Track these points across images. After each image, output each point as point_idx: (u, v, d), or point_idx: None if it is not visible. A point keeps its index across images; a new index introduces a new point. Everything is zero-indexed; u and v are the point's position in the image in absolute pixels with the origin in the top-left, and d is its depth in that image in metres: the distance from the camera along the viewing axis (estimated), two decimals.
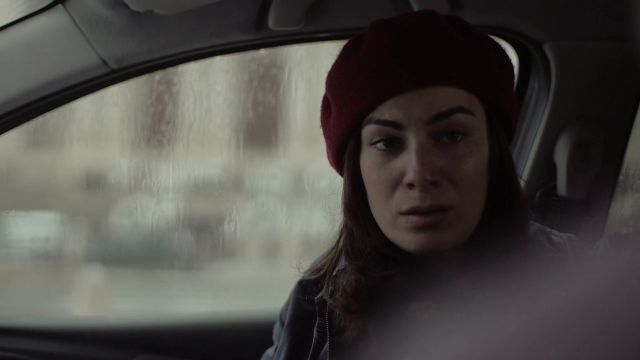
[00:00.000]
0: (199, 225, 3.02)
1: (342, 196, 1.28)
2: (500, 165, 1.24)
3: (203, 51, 1.70)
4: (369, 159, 1.22)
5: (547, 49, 1.85)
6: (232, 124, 2.68)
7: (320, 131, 1.32)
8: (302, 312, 1.34)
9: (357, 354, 1.26)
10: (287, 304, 1.39)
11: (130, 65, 1.65)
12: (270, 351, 1.43)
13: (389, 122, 1.20)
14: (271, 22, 1.65)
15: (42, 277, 3.20)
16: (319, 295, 1.32)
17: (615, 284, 0.42)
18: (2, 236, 2.69)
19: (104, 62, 1.63)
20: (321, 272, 1.34)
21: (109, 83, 1.70)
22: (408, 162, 1.18)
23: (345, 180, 1.27)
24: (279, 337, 1.37)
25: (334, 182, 1.32)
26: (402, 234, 1.20)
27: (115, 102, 2.51)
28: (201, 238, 3.11)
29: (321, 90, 1.31)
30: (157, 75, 2.33)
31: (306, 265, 1.38)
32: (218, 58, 2.09)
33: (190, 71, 2.48)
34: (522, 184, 1.31)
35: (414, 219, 1.18)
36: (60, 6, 1.61)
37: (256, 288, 3.38)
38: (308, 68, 2.54)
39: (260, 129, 2.80)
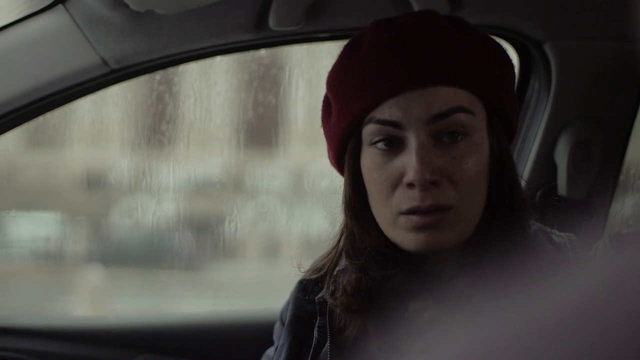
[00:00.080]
0: (199, 225, 3.02)
1: (343, 196, 1.28)
2: (501, 165, 1.24)
3: (203, 51, 1.70)
4: (370, 158, 1.23)
5: (547, 48, 1.85)
6: (232, 124, 2.68)
7: (321, 131, 1.32)
8: (303, 312, 1.34)
9: (358, 354, 1.26)
10: (287, 303, 1.39)
11: (131, 65, 1.65)
12: (270, 351, 1.43)
13: (389, 122, 1.20)
14: (271, 22, 1.65)
15: (42, 277, 3.20)
16: (319, 295, 1.32)
17: (616, 284, 0.42)
18: (3, 236, 2.69)
19: (105, 62, 1.63)
20: (322, 272, 1.34)
21: (109, 83, 1.70)
22: (408, 161, 1.18)
23: (345, 180, 1.28)
24: (280, 336, 1.37)
25: (335, 182, 1.32)
26: (402, 234, 1.20)
27: (115, 102, 2.51)
28: (201, 238, 3.11)
29: (321, 90, 1.31)
30: (158, 75, 2.33)
31: (307, 265, 1.38)
32: (218, 58, 2.09)
33: (190, 71, 2.48)
34: (523, 183, 1.31)
35: (414, 218, 1.18)
36: (60, 6, 1.61)
37: (256, 288, 3.38)
38: (308, 68, 2.54)
39: (261, 129, 2.80)
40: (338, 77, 1.26)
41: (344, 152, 1.27)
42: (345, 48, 1.28)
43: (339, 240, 1.31)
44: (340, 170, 1.30)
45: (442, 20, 1.25)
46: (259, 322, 1.95)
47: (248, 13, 1.65)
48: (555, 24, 1.83)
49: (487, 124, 1.24)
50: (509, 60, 1.29)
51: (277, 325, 1.42)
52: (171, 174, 2.54)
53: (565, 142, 1.88)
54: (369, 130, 1.22)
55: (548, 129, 1.88)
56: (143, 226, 3.06)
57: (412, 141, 1.19)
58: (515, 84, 1.36)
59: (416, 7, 1.64)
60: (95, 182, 3.05)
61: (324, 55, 2.45)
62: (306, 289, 1.36)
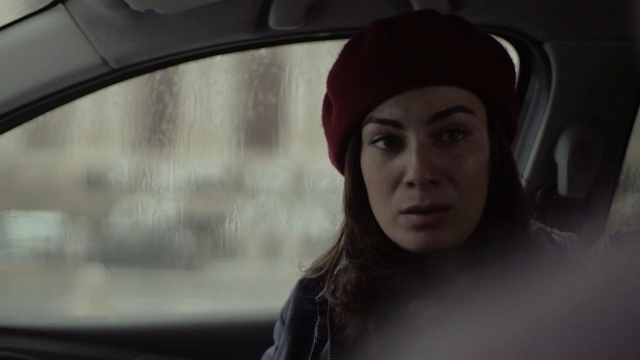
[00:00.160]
0: (199, 225, 3.02)
1: (343, 195, 1.28)
2: (501, 165, 1.24)
3: (203, 51, 1.70)
4: (370, 157, 1.23)
5: (547, 48, 1.85)
6: (232, 123, 2.68)
7: (321, 130, 1.32)
8: (303, 311, 1.34)
9: (358, 353, 1.26)
10: (287, 303, 1.39)
11: (131, 65, 1.65)
12: (271, 350, 1.43)
13: (389, 121, 1.20)
14: (272, 22, 1.65)
15: (42, 277, 3.20)
16: (319, 294, 1.32)
17: (616, 283, 0.42)
18: (3, 236, 2.69)
19: (105, 62, 1.63)
20: (322, 271, 1.34)
21: (109, 82, 1.70)
22: (408, 161, 1.18)
23: (346, 179, 1.28)
24: (280, 336, 1.37)
25: (335, 182, 1.32)
26: (402, 233, 1.20)
27: (115, 101, 2.51)
28: (202, 237, 3.11)
29: (322, 89, 1.31)
30: (158, 74, 2.33)
31: (307, 264, 1.38)
32: (218, 57, 2.09)
33: (190, 71, 2.48)
34: (523, 183, 1.31)
35: (413, 217, 1.18)
36: (60, 6, 1.61)
37: (257, 287, 3.38)
38: (308, 67, 2.54)
39: (261, 129, 2.80)
40: (338, 77, 1.26)
41: (345, 152, 1.27)
42: (346, 47, 1.28)
43: (339, 240, 1.31)
44: (341, 169, 1.30)
45: (443, 19, 1.25)
46: (259, 322, 1.95)
47: (248, 12, 1.65)
48: (555, 23, 1.83)
49: (487, 123, 1.24)
50: (510, 60, 1.29)
51: (278, 325, 1.42)
52: (171, 173, 2.54)
53: (565, 142, 1.88)
54: (369, 130, 1.22)
55: (548, 129, 1.88)
56: (143, 226, 3.06)
57: (412, 140, 1.19)
58: (516, 84, 1.36)
59: (416, 7, 1.64)
60: (95, 182, 3.05)
61: (324, 55, 2.45)
62: (306, 288, 1.36)
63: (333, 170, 1.32)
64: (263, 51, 2.44)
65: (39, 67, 1.62)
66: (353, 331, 1.27)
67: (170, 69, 2.30)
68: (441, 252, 1.22)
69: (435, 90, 1.20)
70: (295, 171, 3.20)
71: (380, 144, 1.21)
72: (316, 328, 1.31)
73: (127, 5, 1.52)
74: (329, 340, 1.29)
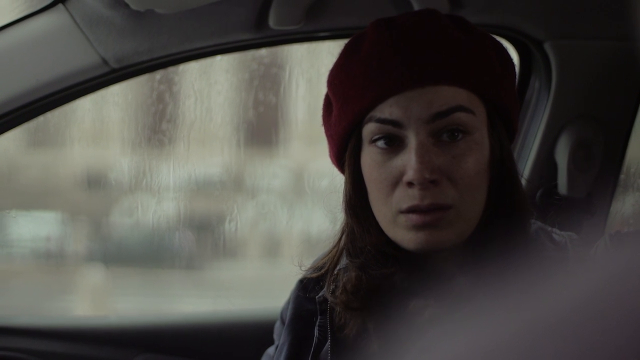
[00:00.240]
0: (199, 225, 3.02)
1: (343, 194, 1.28)
2: (501, 164, 1.24)
3: (204, 50, 1.70)
4: (370, 157, 1.23)
5: (547, 48, 1.85)
6: (232, 123, 2.68)
7: (321, 130, 1.32)
8: (303, 311, 1.34)
9: (358, 353, 1.26)
10: (288, 302, 1.39)
11: (131, 65, 1.65)
12: (271, 350, 1.43)
13: (389, 121, 1.20)
14: (272, 21, 1.65)
15: (43, 277, 3.20)
16: (320, 294, 1.32)
17: (616, 283, 0.42)
18: (3, 236, 2.69)
19: (105, 62, 1.63)
20: (322, 271, 1.34)
21: (109, 82, 1.70)
22: (408, 160, 1.18)
23: (346, 179, 1.28)
24: (280, 335, 1.37)
25: (335, 181, 1.32)
26: (402, 233, 1.20)
27: (116, 101, 2.51)
28: (202, 237, 3.11)
29: (322, 89, 1.31)
30: (158, 74, 2.33)
31: (307, 263, 1.38)
32: (219, 57, 2.09)
33: (191, 70, 2.48)
34: (523, 182, 1.31)
35: (413, 217, 1.18)
36: (60, 6, 1.61)
37: (257, 287, 3.38)
38: (309, 67, 2.54)
39: (261, 128, 2.80)
40: (339, 76, 1.26)
41: (345, 151, 1.27)
42: (346, 47, 1.28)
43: (339, 239, 1.31)
44: (341, 169, 1.30)
45: (443, 19, 1.25)
46: (260, 322, 1.95)
47: (248, 12, 1.65)
48: (555, 23, 1.83)
49: (487, 123, 1.24)
50: (510, 60, 1.28)
51: (278, 324, 1.42)
52: (171, 173, 2.54)
53: (565, 141, 1.88)
54: (369, 129, 1.22)
55: (548, 128, 1.88)
56: (143, 225, 3.06)
57: (412, 140, 1.19)
58: (516, 83, 1.36)
59: (416, 7, 1.64)
60: (95, 182, 3.05)
61: (324, 55, 2.45)
62: (307, 287, 1.36)
63: (333, 169, 1.33)
64: (263, 51, 2.44)
65: (39, 67, 1.62)
66: (353, 330, 1.27)
67: (171, 69, 2.30)
68: (441, 251, 1.22)
69: (435, 89, 1.20)
70: (295, 171, 3.20)
71: (381, 143, 1.21)
72: (316, 327, 1.31)
73: (127, 5, 1.52)
74: (329, 340, 1.29)
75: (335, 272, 1.31)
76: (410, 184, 1.18)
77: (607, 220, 1.94)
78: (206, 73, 2.54)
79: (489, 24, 1.78)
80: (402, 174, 1.19)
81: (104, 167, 2.87)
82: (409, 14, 1.28)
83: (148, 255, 3.19)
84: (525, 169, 1.89)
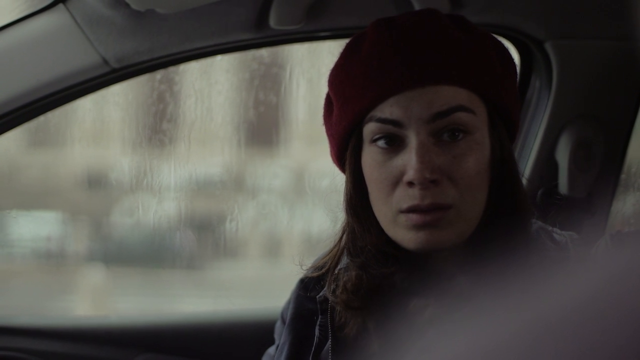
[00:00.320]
0: (200, 225, 3.02)
1: (344, 194, 1.28)
2: (502, 164, 1.24)
3: (204, 50, 1.70)
4: (370, 157, 1.23)
5: (548, 47, 1.85)
6: (233, 123, 2.68)
7: (322, 130, 1.32)
8: (304, 311, 1.34)
9: (359, 352, 1.26)
10: (288, 302, 1.39)
11: (132, 65, 1.65)
12: (271, 350, 1.43)
13: (389, 121, 1.20)
14: (272, 21, 1.65)
15: (43, 277, 3.20)
16: (321, 293, 1.32)
17: (617, 282, 0.42)
18: (4, 235, 2.69)
19: (105, 62, 1.63)
20: (323, 270, 1.34)
21: (110, 82, 1.70)
22: (408, 160, 1.18)
23: (347, 178, 1.28)
24: (281, 335, 1.37)
25: (336, 181, 1.32)
26: (402, 232, 1.20)
27: (116, 101, 2.51)
28: (203, 237, 3.12)
29: (322, 89, 1.32)
30: (159, 74, 2.33)
31: (308, 263, 1.38)
32: (219, 57, 2.09)
33: (191, 70, 2.48)
34: (524, 182, 1.31)
35: (413, 217, 1.18)
36: (61, 5, 1.61)
37: (257, 287, 3.38)
38: (309, 67, 2.54)
39: (262, 128, 2.80)
40: (339, 76, 1.26)
41: (346, 151, 1.27)
42: (347, 47, 1.28)
43: (340, 238, 1.31)
44: (342, 168, 1.30)
45: (444, 18, 1.25)
46: (260, 321, 1.95)
47: (249, 12, 1.65)
48: (556, 23, 1.83)
49: (488, 122, 1.24)
50: (511, 59, 1.28)
51: (278, 324, 1.42)
52: (172, 173, 2.54)
53: (566, 141, 1.88)
54: (369, 129, 1.22)
55: (549, 128, 1.88)
56: (144, 225, 3.06)
57: (413, 140, 1.19)
58: (517, 83, 1.36)
59: (417, 6, 1.64)
60: (96, 182, 3.05)
61: (324, 54, 2.45)
62: (308, 287, 1.36)
63: (333, 169, 1.33)
64: (264, 51, 2.44)
65: (39, 66, 1.62)
66: (353, 330, 1.27)
67: (171, 69, 2.30)
68: (441, 251, 1.22)
69: (435, 89, 1.20)
70: (296, 170, 3.20)
71: (381, 143, 1.21)
72: (317, 327, 1.31)
73: (127, 5, 1.52)
74: (329, 339, 1.29)
75: (336, 271, 1.31)
76: (410, 184, 1.18)
77: (608, 220, 1.94)
78: (207, 73, 2.54)
79: (489, 23, 1.78)
80: (402, 174, 1.19)
81: (105, 167, 2.88)
82: (409, 13, 1.28)
83: (149, 255, 3.19)
84: (526, 168, 1.89)
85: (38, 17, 1.62)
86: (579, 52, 1.85)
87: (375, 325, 1.25)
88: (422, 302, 1.24)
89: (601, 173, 1.90)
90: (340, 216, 1.31)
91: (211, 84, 2.55)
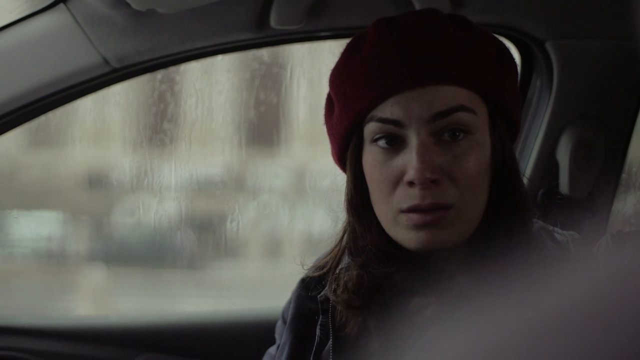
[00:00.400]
0: (201, 224, 3.02)
1: (345, 193, 1.28)
2: (503, 164, 1.24)
3: (205, 50, 1.70)
4: (371, 156, 1.23)
5: (549, 47, 1.85)
6: (234, 122, 2.68)
7: (323, 129, 1.32)
8: (305, 310, 1.34)
9: (360, 352, 1.26)
10: (289, 302, 1.39)
11: (132, 64, 1.65)
12: (272, 349, 1.43)
13: (390, 120, 1.20)
14: (273, 21, 1.65)
15: (44, 277, 3.20)
16: (322, 293, 1.32)
17: (618, 282, 0.42)
18: (5, 235, 2.69)
19: (106, 61, 1.63)
20: (325, 269, 1.34)
21: (111, 82, 1.70)
22: (409, 160, 1.19)
23: (347, 178, 1.28)
24: (281, 335, 1.37)
25: (336, 180, 1.32)
26: (402, 232, 1.20)
27: (117, 101, 2.51)
28: (203, 237, 3.12)
29: (323, 89, 1.32)
30: (159, 74, 2.33)
31: (309, 262, 1.38)
32: (220, 57, 2.09)
33: (192, 70, 2.48)
34: (525, 182, 1.31)
35: (414, 217, 1.18)
36: (62, 5, 1.61)
37: (258, 287, 3.38)
38: (310, 67, 2.54)
39: (262, 128, 2.80)
40: (340, 76, 1.26)
41: (347, 150, 1.27)
42: (348, 47, 1.28)
43: (341, 238, 1.31)
44: (343, 168, 1.30)
45: (445, 18, 1.25)
46: (261, 321, 1.95)
47: (249, 12, 1.65)
48: (557, 22, 1.83)
49: (489, 122, 1.24)
50: (512, 59, 1.28)
51: (279, 324, 1.42)
52: (173, 173, 2.54)
53: (567, 141, 1.88)
54: (370, 129, 1.22)
55: (550, 128, 1.88)
56: (145, 225, 3.06)
57: (413, 139, 1.19)
58: (518, 83, 1.36)
59: (418, 6, 1.64)
60: (97, 182, 3.05)
61: (325, 54, 2.45)
62: (309, 286, 1.36)
63: (334, 169, 1.33)
64: (264, 50, 2.44)
65: (40, 66, 1.62)
66: (354, 329, 1.27)
67: (172, 69, 2.30)
68: (442, 250, 1.22)
69: (436, 89, 1.20)
70: (296, 170, 3.20)
71: (382, 142, 1.21)
72: (318, 327, 1.31)
73: (128, 5, 1.52)
74: (330, 339, 1.29)
75: (337, 271, 1.31)
76: (411, 184, 1.18)
77: (609, 219, 1.94)
78: (207, 73, 2.54)
79: (490, 23, 1.77)
80: (403, 174, 1.19)
81: (106, 166, 2.88)
82: (410, 13, 1.28)
83: (149, 255, 3.19)
84: (527, 168, 1.89)
85: (39, 17, 1.62)
86: (580, 51, 1.85)
87: (376, 324, 1.25)
88: (422, 301, 1.24)
89: (602, 173, 1.90)
90: (341, 216, 1.31)
91: (212, 83, 2.55)
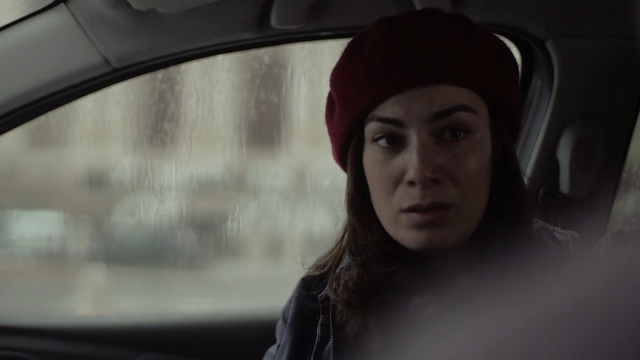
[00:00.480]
0: (201, 224, 3.02)
1: (345, 193, 1.28)
2: (504, 163, 1.24)
3: (205, 50, 1.70)
4: (372, 156, 1.23)
5: (549, 46, 1.85)
6: (234, 122, 2.68)
7: (323, 129, 1.32)
8: (305, 310, 1.34)
9: (360, 351, 1.26)
10: (290, 301, 1.39)
11: (133, 64, 1.66)
12: (273, 349, 1.43)
13: (390, 120, 1.20)
14: (273, 21, 1.65)
15: (45, 276, 3.20)
16: (322, 292, 1.32)
17: (618, 281, 0.42)
18: (5, 235, 2.69)
19: (107, 61, 1.63)
20: (325, 269, 1.34)
21: (111, 82, 1.70)
22: (409, 159, 1.19)
23: (348, 177, 1.28)
24: (282, 334, 1.37)
25: (337, 180, 1.32)
26: (403, 231, 1.20)
27: (117, 101, 2.51)
28: (204, 237, 3.11)
29: (323, 88, 1.32)
30: (160, 74, 2.33)
31: (310, 262, 1.38)
32: (220, 57, 2.09)
33: (192, 70, 2.48)
34: (525, 181, 1.31)
35: (414, 216, 1.18)
36: (62, 5, 1.61)
37: (259, 286, 3.38)
38: (310, 66, 2.54)
39: (263, 128, 2.80)
40: (341, 75, 1.26)
41: (347, 150, 1.27)
42: (349, 46, 1.28)
43: (342, 238, 1.32)
44: (344, 167, 1.30)
45: (445, 18, 1.25)
46: (262, 321, 1.95)
47: (250, 11, 1.65)
48: (557, 22, 1.83)
49: (489, 122, 1.24)
50: (513, 58, 1.28)
51: (280, 323, 1.42)
52: (173, 172, 2.54)
53: (567, 140, 1.88)
54: (371, 128, 1.22)
55: (550, 127, 1.88)
56: (145, 225, 3.06)
57: (414, 139, 1.19)
58: (519, 82, 1.36)
59: (419, 6, 1.64)
60: (97, 181, 3.05)
61: (326, 54, 2.45)
62: (309, 286, 1.36)
63: (335, 169, 1.33)
64: (265, 50, 2.43)
65: (40, 66, 1.62)
66: (354, 328, 1.27)
67: (172, 68, 2.30)
68: (442, 250, 1.22)
69: (437, 89, 1.20)
70: (297, 170, 3.20)
71: (382, 142, 1.21)
72: (319, 326, 1.31)
73: (129, 5, 1.52)
74: (331, 338, 1.29)
75: (338, 270, 1.31)
76: (411, 183, 1.18)
77: (609, 218, 1.94)
78: (208, 72, 2.54)
79: (491, 22, 1.78)
80: (403, 173, 1.19)
81: (106, 166, 2.88)
82: (410, 13, 1.29)
83: (150, 254, 3.19)
84: (527, 167, 1.89)
85: (39, 17, 1.62)
86: (580, 51, 1.86)
87: (377, 323, 1.25)
88: (423, 300, 1.24)
89: (602, 172, 1.90)
90: (342, 215, 1.31)
91: (212, 83, 2.55)
